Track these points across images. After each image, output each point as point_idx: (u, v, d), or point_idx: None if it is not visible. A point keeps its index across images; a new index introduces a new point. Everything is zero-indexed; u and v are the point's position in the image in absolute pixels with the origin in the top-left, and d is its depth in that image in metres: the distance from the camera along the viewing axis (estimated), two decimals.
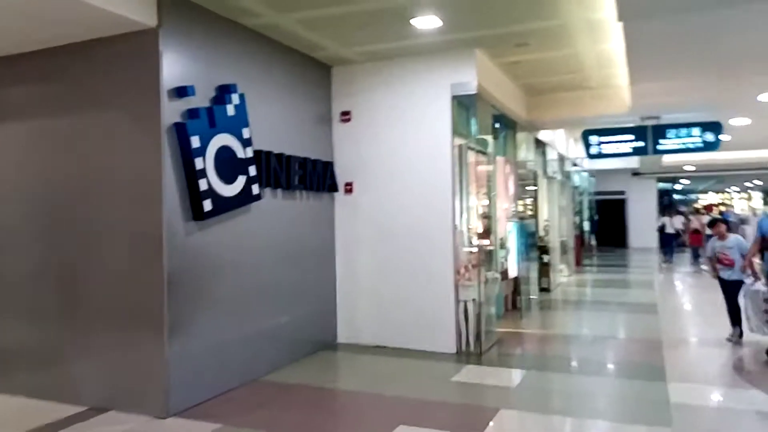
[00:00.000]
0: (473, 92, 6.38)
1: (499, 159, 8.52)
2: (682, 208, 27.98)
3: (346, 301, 6.91)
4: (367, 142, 6.80)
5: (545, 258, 11.02)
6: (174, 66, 4.61)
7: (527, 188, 10.09)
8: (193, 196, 4.70)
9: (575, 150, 15.43)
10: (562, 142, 13.18)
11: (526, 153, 10.01)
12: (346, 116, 6.88)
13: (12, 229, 5.19)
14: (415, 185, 6.57)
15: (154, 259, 4.51)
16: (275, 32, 5.63)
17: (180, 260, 4.61)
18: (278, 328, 5.83)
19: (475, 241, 7.70)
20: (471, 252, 7.13)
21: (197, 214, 4.73)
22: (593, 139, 9.24)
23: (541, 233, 11.49)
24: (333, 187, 6.76)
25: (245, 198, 5.24)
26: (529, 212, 10.21)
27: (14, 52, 5.09)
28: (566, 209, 15.09)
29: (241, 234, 5.30)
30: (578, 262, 15.91)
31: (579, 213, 16.98)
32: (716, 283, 6.94)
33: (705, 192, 35.32)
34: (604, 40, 6.25)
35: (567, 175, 15.21)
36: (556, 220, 13.69)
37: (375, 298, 6.77)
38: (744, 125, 10.09)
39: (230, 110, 5.09)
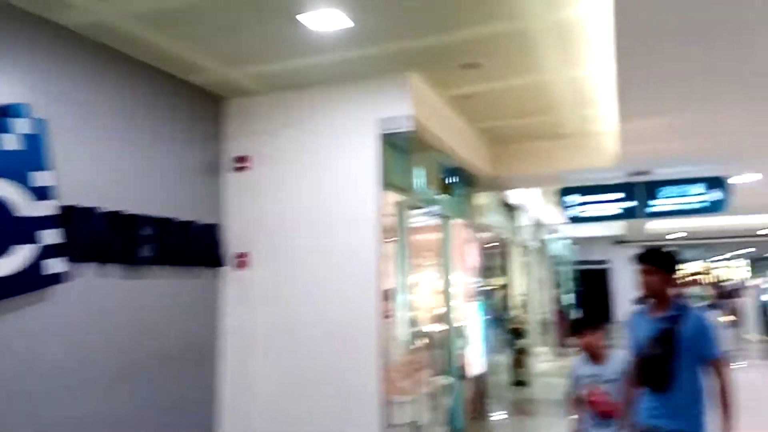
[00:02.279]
0: (408, 129, 4.66)
1: (456, 223, 6.75)
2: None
3: (236, 422, 4.83)
4: (272, 198, 4.98)
5: (520, 343, 9.07)
6: None
7: (495, 259, 8.29)
8: None
9: (553, 214, 13.82)
10: (538, 205, 11.54)
11: (492, 216, 8.28)
12: (242, 163, 5.09)
13: None
14: (332, 256, 4.71)
15: None
16: (113, 37, 3.90)
17: None
18: None
19: (421, 330, 5.79)
20: (412, 349, 5.20)
21: None
22: (572, 199, 7.56)
23: (515, 312, 9.60)
24: (216, 261, 4.84)
25: (31, 280, 3.31)
26: (498, 287, 8.35)
27: None
28: (545, 282, 13.30)
29: (27, 338, 3.32)
30: (561, 342, 13.92)
31: (559, 286, 15.17)
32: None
33: (692, 261, 33.98)
34: (577, 61, 4.63)
35: (544, 243, 13.52)
36: (534, 295, 11.86)
37: (278, 420, 4.72)
38: (751, 183, 8.51)
39: (9, 142, 3.25)
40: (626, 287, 21.45)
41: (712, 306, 21.43)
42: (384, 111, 4.69)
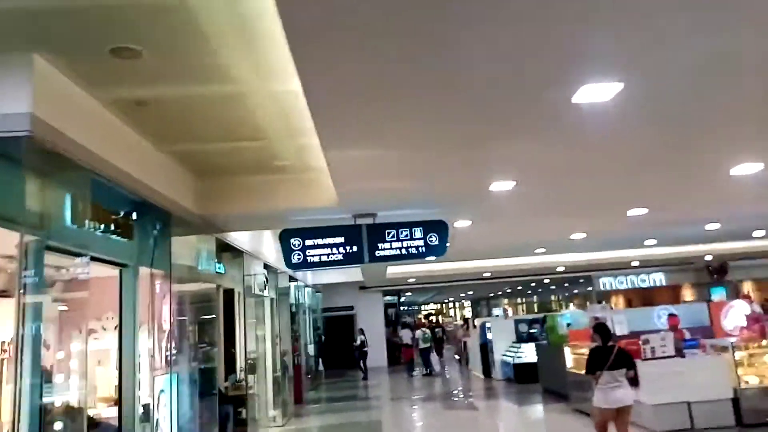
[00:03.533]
0: (23, 133, 3.13)
1: (144, 271, 5.24)
2: (408, 320, 28.28)
3: None
4: None
5: (241, 413, 7.73)
6: None
7: (211, 315, 6.89)
8: None
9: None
10: (272, 250, 10.54)
11: (208, 264, 6.92)
12: None
13: None
14: None
15: None
16: None
17: None
18: None
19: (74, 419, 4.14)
20: None
21: None
22: (295, 242, 6.68)
23: (238, 377, 8.26)
24: None
25: None
26: (211, 349, 6.93)
27: None
28: (283, 335, 12.26)
29: None
30: (299, 399, 12.95)
31: (298, 338, 14.28)
32: None
33: (426, 303, 37.02)
34: (274, 70, 3.71)
35: (283, 293, 12.56)
36: (267, 351, 10.68)
37: None
38: (464, 228, 8.78)
39: None
40: (371, 331, 21.84)
41: (436, 347, 23.41)
42: None
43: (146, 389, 5.15)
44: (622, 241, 13.46)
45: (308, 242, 6.68)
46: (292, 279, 13.89)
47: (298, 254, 6.66)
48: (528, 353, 14.02)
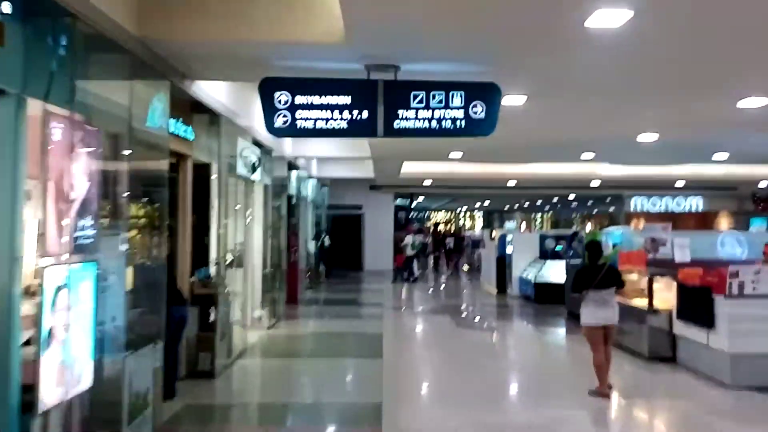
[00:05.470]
0: None
1: (36, 107, 3.34)
2: (418, 226, 26.80)
3: None
4: None
5: (210, 315, 6.15)
6: None
7: (157, 191, 5.04)
8: None
9: (297, 144, 11.09)
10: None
11: (157, 120, 4.98)
12: None
13: None
14: None
15: None
16: None
17: None
18: None
19: None
20: None
21: None
22: (281, 97, 4.70)
23: (211, 272, 6.62)
24: None
25: None
26: (159, 234, 5.14)
27: None
28: (278, 228, 10.63)
29: None
30: (293, 299, 11.58)
31: (296, 232, 12.68)
32: None
33: (438, 210, 35.43)
34: None
35: (280, 182, 10.74)
36: (256, 244, 9.08)
37: None
38: (513, 110, 6.68)
39: None
40: (378, 234, 20.34)
41: (448, 257, 22.35)
42: None
43: (35, 282, 3.44)
44: (687, 152, 11.32)
45: (299, 99, 4.71)
46: (292, 167, 12.06)
47: (284, 115, 4.72)
48: (553, 272, 12.44)
